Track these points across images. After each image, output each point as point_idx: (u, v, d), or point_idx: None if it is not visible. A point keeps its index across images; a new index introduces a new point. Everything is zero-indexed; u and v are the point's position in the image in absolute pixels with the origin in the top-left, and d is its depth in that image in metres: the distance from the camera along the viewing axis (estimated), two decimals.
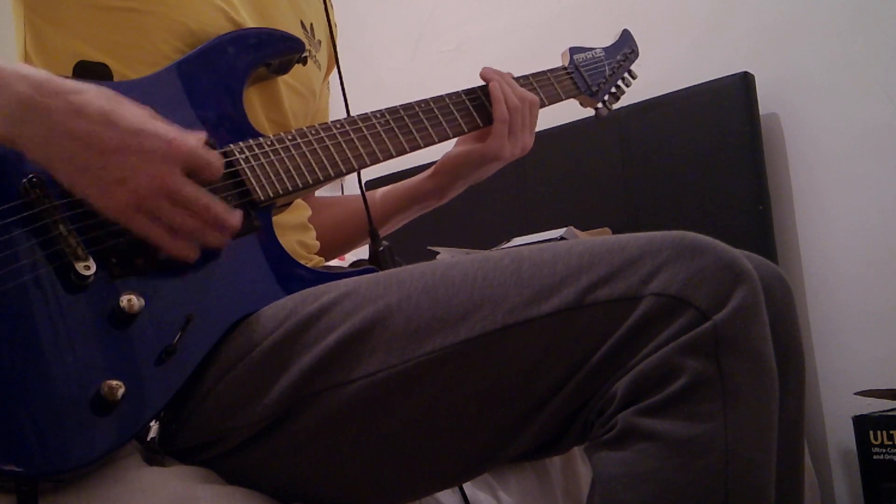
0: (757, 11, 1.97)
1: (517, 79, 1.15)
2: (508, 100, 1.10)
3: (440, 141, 1.05)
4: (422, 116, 1.03)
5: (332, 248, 1.17)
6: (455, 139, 1.10)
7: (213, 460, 0.80)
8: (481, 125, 1.10)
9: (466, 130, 1.08)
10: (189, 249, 0.77)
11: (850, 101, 1.85)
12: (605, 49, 1.31)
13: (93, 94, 0.72)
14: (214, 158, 0.77)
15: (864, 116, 1.83)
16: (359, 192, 1.11)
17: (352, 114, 0.99)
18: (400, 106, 1.02)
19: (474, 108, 1.09)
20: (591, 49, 1.28)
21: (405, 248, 1.21)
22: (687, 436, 0.65)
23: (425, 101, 1.05)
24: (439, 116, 1.05)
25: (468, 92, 1.10)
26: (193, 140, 0.76)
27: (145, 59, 0.89)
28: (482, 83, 1.12)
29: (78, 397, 0.69)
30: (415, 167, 1.59)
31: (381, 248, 1.02)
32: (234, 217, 0.78)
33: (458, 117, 1.07)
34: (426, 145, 1.03)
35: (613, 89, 1.30)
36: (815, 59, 1.89)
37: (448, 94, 1.08)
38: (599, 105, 1.29)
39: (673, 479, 0.65)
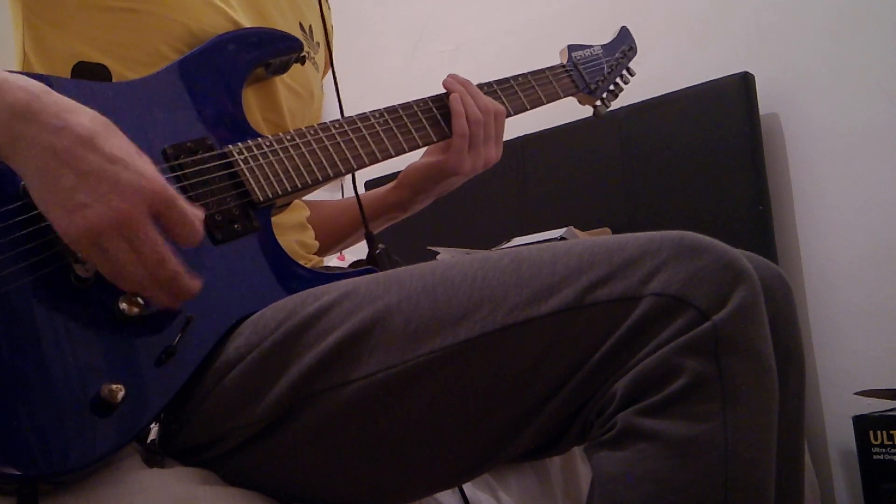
0: (757, 11, 1.97)
1: (515, 77, 1.15)
2: (469, 112, 1.05)
3: (439, 140, 1.05)
4: (421, 116, 1.03)
5: (323, 246, 1.17)
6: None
7: (213, 461, 0.80)
8: (449, 135, 1.05)
9: (436, 140, 1.04)
10: (139, 287, 0.71)
11: (850, 101, 1.85)
12: (604, 46, 1.30)
13: (86, 116, 0.70)
14: (192, 217, 0.72)
15: (864, 116, 1.83)
16: (356, 193, 1.11)
17: (346, 115, 0.99)
18: (399, 106, 1.02)
19: (441, 116, 1.05)
20: (589, 46, 1.28)
21: (405, 248, 1.21)
22: (687, 436, 0.65)
23: (424, 101, 1.05)
24: (438, 115, 1.05)
25: (435, 99, 1.06)
26: (175, 192, 0.71)
27: (144, 60, 0.89)
28: (479, 82, 1.12)
29: (78, 399, 0.69)
30: None
31: (378, 251, 1.02)
32: (191, 286, 0.73)
33: (428, 127, 1.03)
34: (425, 145, 1.03)
35: (612, 87, 1.30)
36: (815, 59, 1.89)
37: (417, 101, 1.04)
38: (598, 103, 1.29)
39: (673, 479, 0.65)
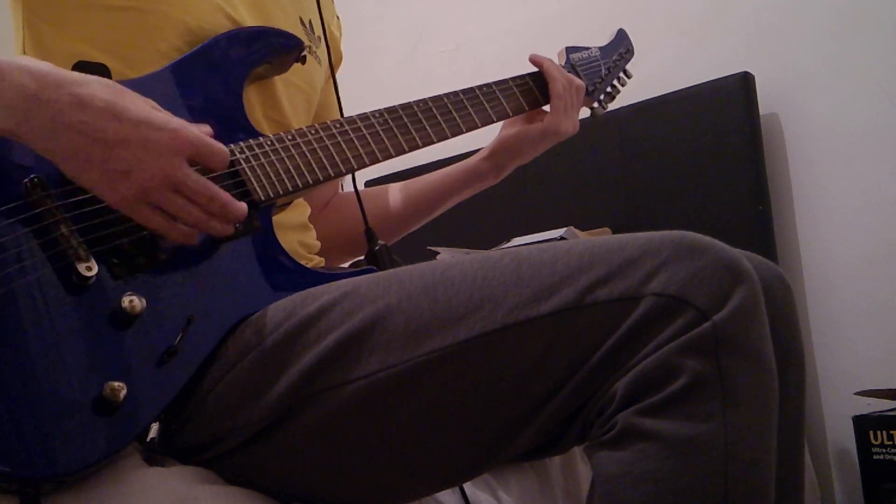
0: (757, 11, 1.97)
1: (514, 78, 1.16)
2: (563, 77, 1.16)
3: (439, 140, 1.05)
4: (420, 116, 1.03)
5: (349, 244, 1.17)
6: (452, 138, 1.10)
7: (214, 460, 0.80)
8: (527, 109, 1.15)
9: (483, 124, 1.11)
10: (192, 235, 0.78)
11: (849, 101, 1.85)
12: (601, 48, 1.31)
13: (96, 87, 0.72)
14: (219, 148, 0.78)
15: (863, 116, 1.83)
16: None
17: (346, 114, 0.99)
18: (399, 106, 1.02)
19: (521, 92, 1.15)
20: (587, 48, 1.29)
21: (405, 248, 1.21)
22: (687, 436, 0.65)
23: (424, 101, 1.05)
24: (437, 116, 1.05)
25: (515, 78, 1.15)
26: (197, 130, 0.76)
27: (144, 59, 0.89)
28: (481, 83, 1.12)
29: (80, 399, 0.69)
30: (415, 167, 1.60)
31: (378, 248, 1.02)
32: (239, 207, 0.78)
33: (479, 110, 1.10)
34: (425, 145, 1.03)
35: (609, 89, 1.31)
36: (815, 59, 1.89)
37: (483, 84, 1.12)
38: (595, 104, 1.30)
39: (673, 479, 0.65)
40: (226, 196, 0.78)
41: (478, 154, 1.22)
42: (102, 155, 0.71)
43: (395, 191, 1.24)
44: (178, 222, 0.76)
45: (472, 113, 1.09)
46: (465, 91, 1.10)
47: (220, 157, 0.78)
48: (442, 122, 1.05)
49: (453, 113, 1.06)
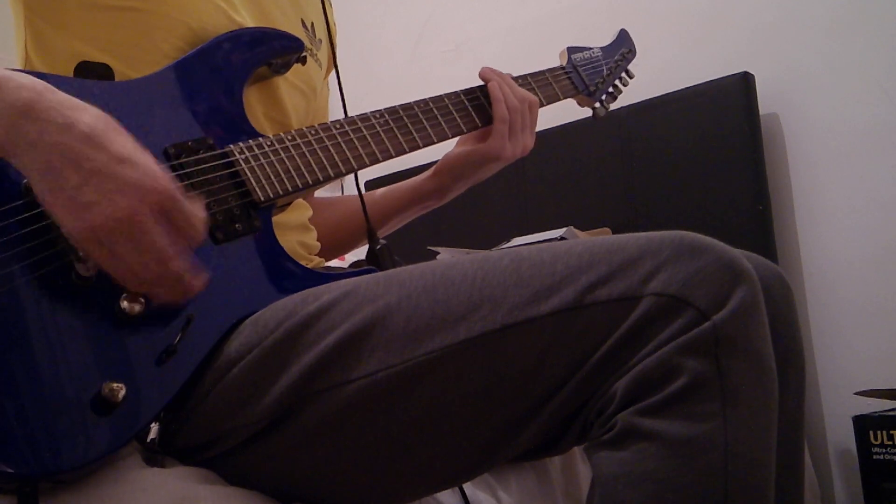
0: (757, 11, 1.97)
1: (515, 79, 1.16)
2: (508, 100, 1.10)
3: (439, 141, 1.05)
4: (421, 117, 1.03)
5: (331, 247, 1.17)
6: (454, 139, 1.10)
7: (213, 460, 0.80)
8: (480, 125, 1.10)
9: (465, 131, 1.09)
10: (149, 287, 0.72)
11: (850, 101, 1.85)
12: (603, 49, 1.31)
13: (90, 114, 0.70)
14: (197, 211, 0.72)
15: (864, 116, 1.83)
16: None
17: (349, 114, 0.99)
18: (399, 106, 1.02)
19: (473, 108, 1.09)
20: (588, 49, 1.29)
21: (405, 248, 1.21)
22: (686, 436, 0.65)
23: (424, 102, 1.05)
24: (438, 117, 1.05)
25: (467, 92, 1.10)
26: (178, 190, 0.71)
27: (146, 59, 0.89)
28: (482, 83, 1.12)
29: (79, 398, 0.69)
30: (415, 167, 1.59)
31: (379, 247, 1.02)
32: (195, 283, 0.72)
33: (458, 118, 1.07)
34: (425, 146, 1.03)
35: (611, 89, 1.31)
36: (815, 58, 1.89)
37: (447, 94, 1.08)
38: (597, 105, 1.30)
39: (672, 479, 0.65)
40: (184, 265, 0.71)
41: (425, 172, 1.18)
42: (75, 181, 0.67)
43: (349, 203, 1.19)
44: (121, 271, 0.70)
45: (473, 113, 1.09)
46: (465, 91, 1.10)
47: (194, 224, 0.71)
48: (442, 123, 1.05)
49: (454, 113, 1.07)
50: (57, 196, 0.68)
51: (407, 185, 1.18)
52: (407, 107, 1.03)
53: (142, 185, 0.68)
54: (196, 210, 0.72)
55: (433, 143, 1.05)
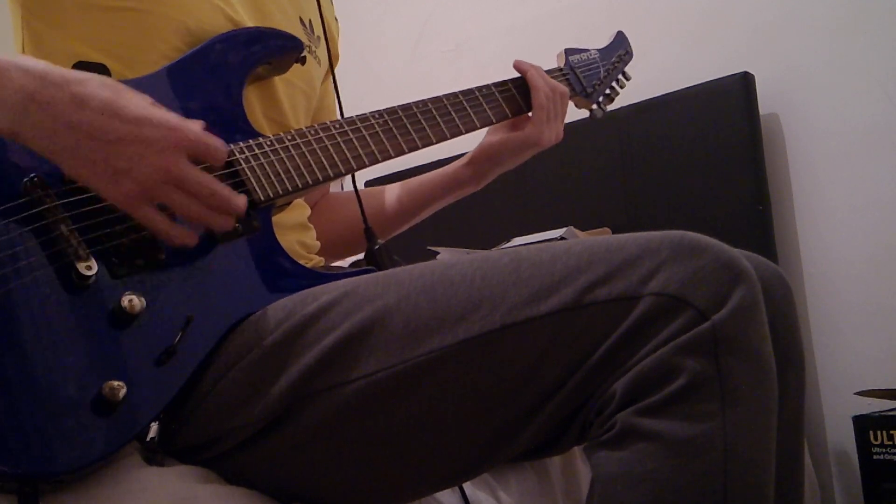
0: (757, 11, 1.97)
1: (514, 80, 1.16)
2: (545, 89, 1.14)
3: (438, 141, 1.05)
4: (420, 117, 1.03)
5: (341, 244, 1.18)
6: (452, 139, 1.10)
7: (213, 460, 0.80)
8: (510, 116, 1.14)
9: (495, 121, 1.12)
10: (191, 237, 0.77)
11: (850, 101, 1.85)
12: (600, 50, 1.31)
13: (95, 85, 0.72)
14: (217, 143, 0.77)
15: (864, 116, 1.83)
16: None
17: (346, 114, 0.99)
18: (398, 106, 1.02)
19: (504, 99, 1.13)
20: (586, 50, 1.29)
21: (405, 248, 1.21)
22: (686, 436, 0.65)
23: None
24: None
25: (498, 84, 1.14)
26: (195, 126, 0.76)
27: (144, 59, 0.89)
28: (482, 83, 1.12)
29: (79, 398, 0.70)
30: (414, 167, 1.60)
31: (377, 247, 1.02)
32: (240, 200, 0.78)
33: (487, 109, 1.10)
34: (424, 146, 1.03)
35: (608, 91, 1.31)
36: (815, 58, 1.89)
37: (476, 87, 1.11)
38: (594, 106, 1.30)
39: (672, 479, 0.65)
40: (227, 190, 0.77)
41: (459, 160, 1.21)
42: (103, 153, 0.71)
43: (383, 193, 1.23)
44: (180, 219, 0.76)
45: (472, 114, 1.09)
46: (463, 92, 1.10)
47: (218, 153, 0.77)
48: (441, 124, 1.05)
49: (452, 114, 1.07)
50: (90, 172, 0.71)
51: (443, 174, 1.21)
52: (406, 107, 1.03)
53: (165, 139, 0.72)
54: (215, 141, 0.77)
55: (431, 143, 1.04)
